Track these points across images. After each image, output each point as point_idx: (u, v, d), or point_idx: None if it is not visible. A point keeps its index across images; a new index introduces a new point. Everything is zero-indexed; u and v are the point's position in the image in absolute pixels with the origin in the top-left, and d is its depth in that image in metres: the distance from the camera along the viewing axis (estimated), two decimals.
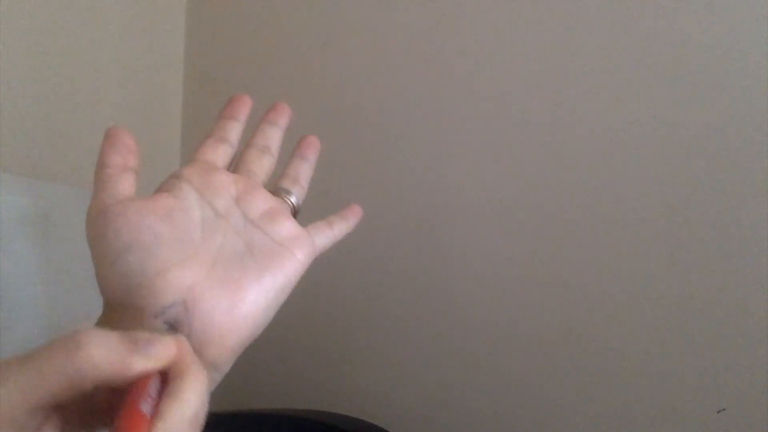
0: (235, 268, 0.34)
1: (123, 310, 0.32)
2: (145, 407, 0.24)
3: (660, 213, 0.70)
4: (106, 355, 0.24)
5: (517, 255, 0.81)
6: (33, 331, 0.68)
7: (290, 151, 0.43)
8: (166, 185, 0.36)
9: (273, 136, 0.41)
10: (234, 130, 0.40)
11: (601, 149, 0.74)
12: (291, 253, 0.35)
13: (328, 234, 0.39)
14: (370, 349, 0.95)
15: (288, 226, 0.36)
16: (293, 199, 0.39)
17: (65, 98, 0.99)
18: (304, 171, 0.41)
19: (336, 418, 0.78)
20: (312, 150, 0.42)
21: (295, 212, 0.39)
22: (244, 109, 0.41)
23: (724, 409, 0.66)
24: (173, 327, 0.31)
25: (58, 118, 0.98)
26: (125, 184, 0.34)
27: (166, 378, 0.26)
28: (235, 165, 0.39)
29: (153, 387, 0.25)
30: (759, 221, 0.64)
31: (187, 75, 1.16)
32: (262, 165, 0.39)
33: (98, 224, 0.33)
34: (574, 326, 0.76)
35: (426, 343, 0.89)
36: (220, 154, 0.38)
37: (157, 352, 0.25)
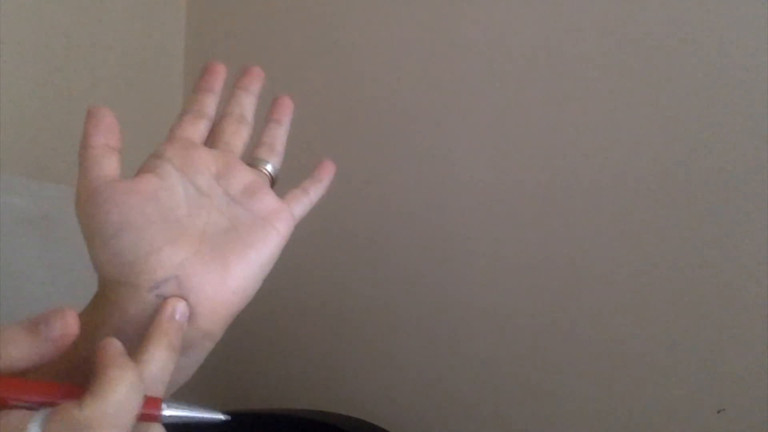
0: (222, 244, 0.35)
1: (118, 286, 0.33)
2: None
3: (662, 211, 0.70)
4: (17, 354, 0.27)
5: (518, 255, 0.81)
6: None
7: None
8: (148, 165, 0.37)
9: (248, 104, 0.42)
10: (211, 103, 0.41)
11: (604, 144, 0.74)
12: (272, 227, 0.37)
13: (305, 201, 0.41)
14: (370, 349, 0.95)
15: (268, 201, 0.38)
16: (270, 169, 0.40)
17: (65, 98, 0.99)
18: (279, 136, 0.42)
19: (336, 418, 0.78)
20: (286, 112, 0.43)
21: (273, 181, 0.41)
22: (220, 79, 0.41)
23: (724, 409, 0.66)
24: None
25: (58, 118, 0.98)
26: (111, 165, 0.35)
27: None
28: (212, 135, 0.40)
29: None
30: (759, 221, 0.64)
31: (187, 75, 1.17)
32: (239, 136, 0.40)
33: (88, 207, 0.34)
34: (574, 326, 0.76)
35: (426, 343, 0.89)
36: (198, 129, 0.39)
37: (54, 331, 0.28)
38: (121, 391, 0.26)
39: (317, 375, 1.01)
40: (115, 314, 0.33)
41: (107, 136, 0.35)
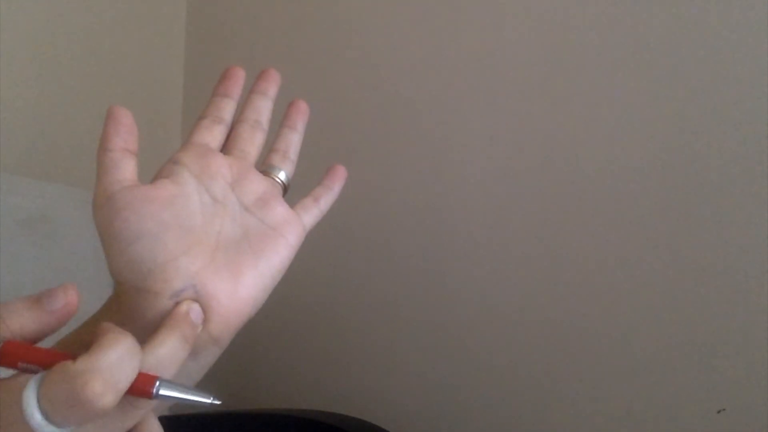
0: (234, 253, 0.36)
1: (135, 292, 0.33)
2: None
3: (663, 210, 0.70)
4: (21, 325, 0.29)
5: (518, 256, 0.81)
6: None
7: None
8: (165, 171, 0.37)
9: (263, 109, 0.42)
10: (228, 109, 0.41)
11: (608, 142, 0.74)
12: (283, 238, 0.38)
13: (315, 211, 0.41)
14: (370, 349, 0.95)
15: (279, 212, 0.38)
16: (283, 177, 0.41)
17: (65, 98, 0.99)
18: (293, 142, 0.43)
19: (336, 418, 0.78)
20: (301, 117, 0.43)
21: (285, 189, 0.41)
22: (238, 85, 0.42)
23: (724, 409, 0.66)
24: None
25: (58, 118, 0.98)
26: (128, 169, 0.35)
27: None
28: (227, 141, 0.41)
29: None
30: (759, 221, 0.64)
31: (187, 75, 1.17)
32: (254, 142, 0.41)
33: (106, 212, 0.34)
34: (575, 327, 0.76)
35: (427, 343, 0.89)
36: (215, 135, 0.40)
37: (56, 304, 0.30)
38: (114, 352, 0.27)
39: (317, 375, 1.01)
40: (131, 318, 0.33)
41: (126, 139, 0.35)
